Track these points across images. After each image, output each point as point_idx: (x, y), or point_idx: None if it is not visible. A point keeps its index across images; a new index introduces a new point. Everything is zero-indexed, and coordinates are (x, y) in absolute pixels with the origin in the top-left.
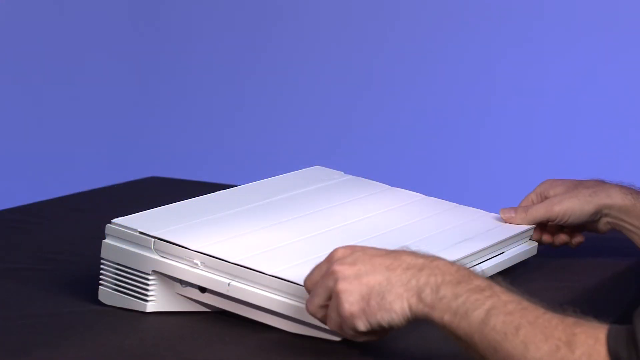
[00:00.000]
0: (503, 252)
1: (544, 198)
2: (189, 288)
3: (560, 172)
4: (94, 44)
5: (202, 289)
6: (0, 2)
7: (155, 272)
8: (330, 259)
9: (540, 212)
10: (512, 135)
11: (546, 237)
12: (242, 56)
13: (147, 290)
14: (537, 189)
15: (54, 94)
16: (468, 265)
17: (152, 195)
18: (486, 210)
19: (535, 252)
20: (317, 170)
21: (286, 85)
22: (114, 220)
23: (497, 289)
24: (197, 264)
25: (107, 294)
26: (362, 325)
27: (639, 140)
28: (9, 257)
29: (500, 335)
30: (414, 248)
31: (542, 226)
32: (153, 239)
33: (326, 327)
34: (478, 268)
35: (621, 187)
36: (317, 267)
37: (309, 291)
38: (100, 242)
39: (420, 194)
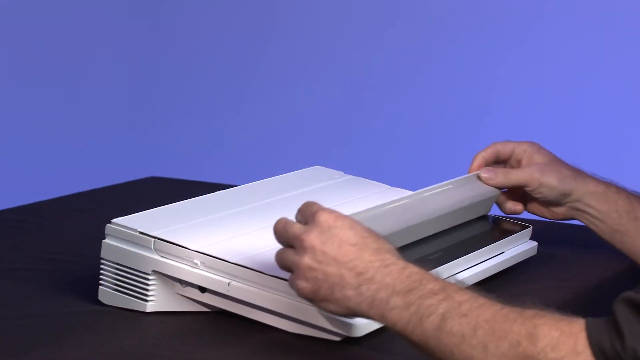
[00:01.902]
0: (503, 252)
1: (527, 159)
2: (189, 288)
3: None
4: (94, 44)
5: (202, 289)
6: (0, 2)
7: (155, 272)
8: (312, 222)
9: (521, 177)
10: (512, 136)
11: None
12: (242, 56)
13: (147, 290)
14: (524, 145)
15: (54, 94)
16: (468, 265)
17: (152, 195)
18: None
19: (535, 252)
20: (317, 170)
21: (286, 86)
22: (114, 220)
23: (451, 290)
24: (197, 264)
25: (107, 294)
26: (307, 300)
27: (639, 140)
28: (9, 257)
29: (458, 338)
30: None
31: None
32: (153, 239)
33: (326, 327)
34: (478, 268)
35: (595, 178)
36: (301, 213)
37: (279, 234)
38: (100, 242)
39: None
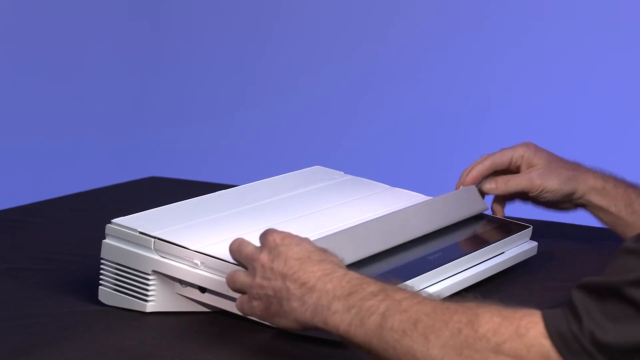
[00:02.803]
0: (503, 252)
1: (527, 164)
2: (189, 288)
3: None
4: (94, 44)
5: (202, 289)
6: (0, 2)
7: (155, 272)
8: (263, 242)
9: (521, 184)
10: (512, 136)
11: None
12: (242, 56)
13: (147, 290)
14: (520, 150)
15: (54, 94)
16: (468, 265)
17: (152, 195)
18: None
19: (535, 252)
20: (317, 170)
21: (286, 86)
22: (114, 220)
23: (391, 290)
24: (197, 264)
25: (107, 294)
26: (261, 320)
27: (638, 140)
28: (9, 257)
29: (399, 334)
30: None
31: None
32: (153, 239)
33: None
34: (478, 268)
35: (594, 172)
36: (246, 244)
37: (233, 252)
38: (100, 242)
39: (420, 194)
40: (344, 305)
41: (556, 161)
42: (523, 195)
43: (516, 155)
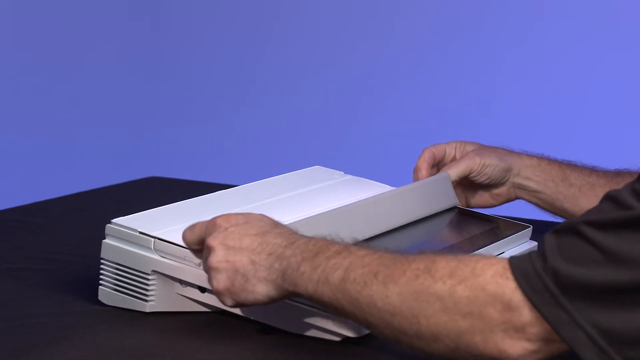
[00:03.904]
0: (503, 252)
1: (461, 152)
2: (189, 288)
3: None
4: (94, 44)
5: (202, 289)
6: (0, 2)
7: (155, 272)
8: (210, 227)
9: (464, 165)
10: (512, 136)
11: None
12: (242, 56)
13: (147, 290)
14: (452, 144)
15: (54, 94)
16: None
17: (152, 195)
18: (486, 212)
19: None
20: (317, 170)
21: (286, 86)
22: (114, 220)
23: (354, 248)
24: (197, 264)
25: (107, 294)
26: (229, 302)
27: (638, 140)
28: (9, 257)
29: (360, 285)
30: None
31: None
32: (153, 239)
33: (326, 327)
34: None
35: (527, 153)
36: (199, 226)
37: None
38: (100, 242)
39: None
40: (311, 265)
41: (488, 146)
42: (464, 182)
43: (449, 147)
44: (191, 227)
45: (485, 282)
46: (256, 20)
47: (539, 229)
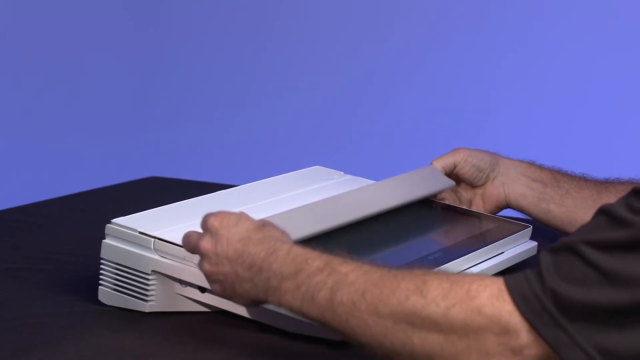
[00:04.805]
0: (503, 252)
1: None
2: (189, 288)
3: None
4: (94, 44)
5: (202, 289)
6: (0, 2)
7: (155, 272)
8: (203, 228)
9: (450, 157)
10: (512, 136)
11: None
12: (242, 56)
13: (147, 290)
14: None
15: (54, 94)
16: (468, 265)
17: (152, 195)
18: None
19: (535, 252)
20: (317, 170)
21: (286, 86)
22: (114, 220)
23: (336, 263)
24: (196, 264)
25: (107, 294)
26: (227, 298)
27: (638, 139)
28: (9, 257)
29: (349, 306)
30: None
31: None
32: (153, 239)
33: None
34: (478, 268)
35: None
36: (189, 235)
37: (185, 248)
38: (100, 242)
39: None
40: (293, 284)
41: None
42: (450, 177)
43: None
44: (188, 237)
45: (482, 304)
46: (256, 20)
47: (539, 229)
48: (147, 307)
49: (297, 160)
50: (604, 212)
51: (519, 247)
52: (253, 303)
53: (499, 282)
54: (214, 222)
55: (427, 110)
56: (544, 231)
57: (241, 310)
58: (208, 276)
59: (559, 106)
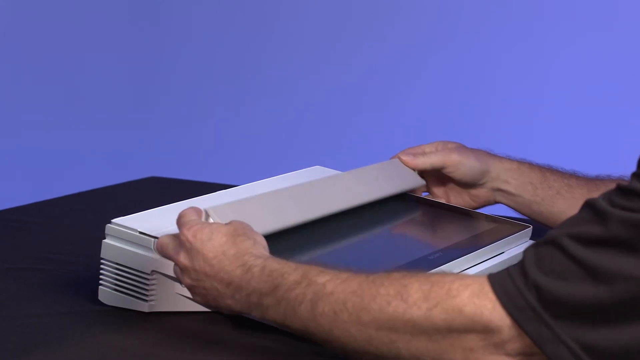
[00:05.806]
0: (503, 252)
1: (442, 147)
2: None
3: None
4: (93, 44)
5: None
6: (1, 2)
7: (155, 272)
8: (179, 242)
9: (440, 158)
10: (512, 136)
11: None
12: (242, 56)
13: (147, 290)
14: (433, 143)
15: (54, 94)
16: (468, 265)
17: (152, 195)
18: (485, 212)
19: None
20: (317, 170)
21: (286, 86)
22: (114, 220)
23: (313, 274)
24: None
25: (107, 294)
26: (212, 310)
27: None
28: (9, 257)
29: (331, 317)
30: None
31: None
32: (153, 239)
33: None
34: (478, 268)
35: (508, 156)
36: (165, 246)
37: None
38: (100, 242)
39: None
40: (273, 300)
41: (470, 148)
42: (444, 179)
43: (429, 146)
44: (163, 247)
45: (462, 303)
46: (256, 20)
47: (539, 229)
48: (147, 307)
49: (297, 160)
50: (589, 206)
51: (519, 247)
52: (237, 313)
53: (481, 280)
54: (187, 236)
55: (427, 110)
56: (544, 231)
57: None
58: (190, 289)
59: (559, 106)
